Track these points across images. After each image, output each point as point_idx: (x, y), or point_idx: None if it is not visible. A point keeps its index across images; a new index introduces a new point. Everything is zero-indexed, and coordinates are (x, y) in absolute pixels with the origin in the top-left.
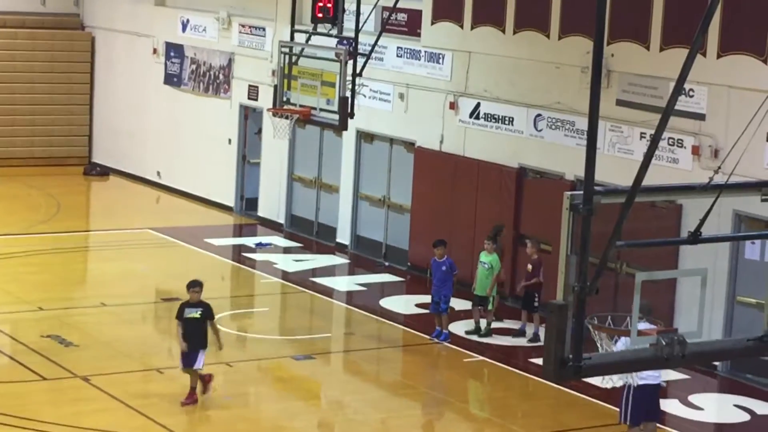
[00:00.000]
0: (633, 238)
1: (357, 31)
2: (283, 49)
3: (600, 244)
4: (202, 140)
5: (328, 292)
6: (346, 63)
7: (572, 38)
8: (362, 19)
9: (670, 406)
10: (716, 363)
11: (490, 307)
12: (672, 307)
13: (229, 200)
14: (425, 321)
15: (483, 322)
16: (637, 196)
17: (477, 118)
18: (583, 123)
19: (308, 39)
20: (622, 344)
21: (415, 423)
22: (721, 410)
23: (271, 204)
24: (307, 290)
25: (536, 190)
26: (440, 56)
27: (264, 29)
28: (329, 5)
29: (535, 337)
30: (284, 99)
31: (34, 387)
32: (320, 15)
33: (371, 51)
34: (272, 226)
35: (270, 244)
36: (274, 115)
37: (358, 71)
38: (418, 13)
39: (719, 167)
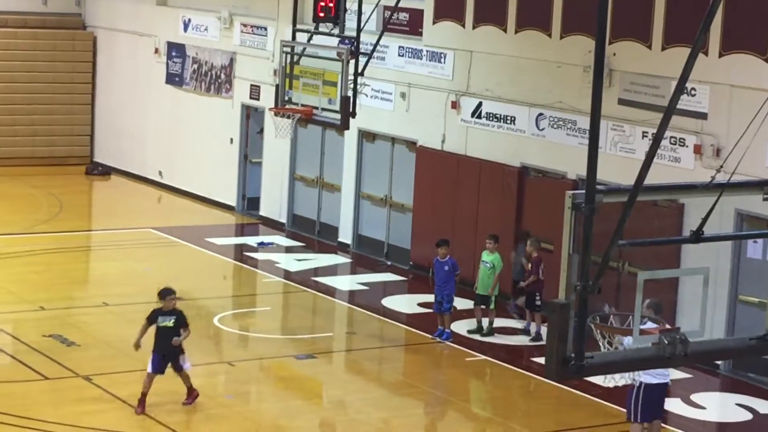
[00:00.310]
0: (635, 237)
1: (359, 30)
2: (285, 49)
3: (602, 243)
4: (204, 140)
5: (330, 291)
6: (348, 62)
7: (574, 37)
8: (364, 18)
9: (672, 405)
10: (718, 362)
11: (492, 306)
12: (674, 306)
13: (231, 200)
14: (427, 320)
15: (485, 322)
16: (639, 195)
17: (479, 117)
18: (585, 122)
19: (310, 38)
20: (628, 341)
21: (417, 422)
22: (724, 409)
23: (273, 203)
24: (309, 289)
25: (538, 189)
26: (442, 55)
27: (266, 29)
28: (331, 5)
29: (537, 336)
30: (286, 98)
31: (36, 386)
32: (322, 14)
33: (373, 50)
34: (274, 225)
35: (272, 244)
36: (276, 114)
37: (359, 70)
38: (420, 12)
39: (721, 166)
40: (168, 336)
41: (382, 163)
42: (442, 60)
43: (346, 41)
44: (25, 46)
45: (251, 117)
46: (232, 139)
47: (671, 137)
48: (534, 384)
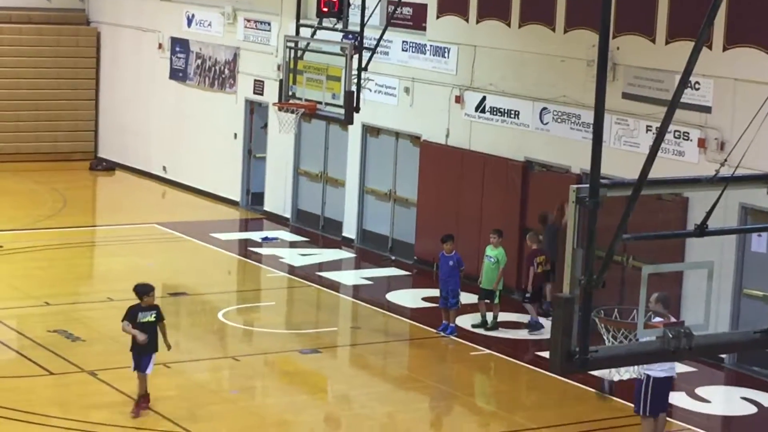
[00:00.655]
0: (639, 231)
1: (362, 25)
2: (289, 44)
3: (606, 237)
4: (207, 135)
5: (335, 286)
6: (352, 57)
7: (578, 31)
8: (367, 13)
9: (677, 398)
10: (723, 355)
11: (496, 300)
12: (678, 300)
13: (235, 195)
14: (432, 315)
15: (489, 316)
16: (644, 189)
17: (483, 111)
18: (589, 116)
19: (313, 33)
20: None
21: (422, 417)
22: (728, 402)
23: (277, 198)
24: (313, 284)
25: (542, 183)
26: (446, 50)
27: (269, 24)
28: (334, 0)
29: (536, 325)
30: (290, 93)
31: (41, 382)
32: (325, 9)
33: (377, 45)
34: (278, 220)
35: (276, 239)
36: (280, 109)
37: (363, 65)
38: (424, 7)
39: (725, 160)
40: (151, 331)
41: (386, 157)
42: (446, 54)
43: (350, 36)
44: (29, 42)
45: (255, 112)
46: (236, 134)
47: (675, 131)
48: (539, 378)
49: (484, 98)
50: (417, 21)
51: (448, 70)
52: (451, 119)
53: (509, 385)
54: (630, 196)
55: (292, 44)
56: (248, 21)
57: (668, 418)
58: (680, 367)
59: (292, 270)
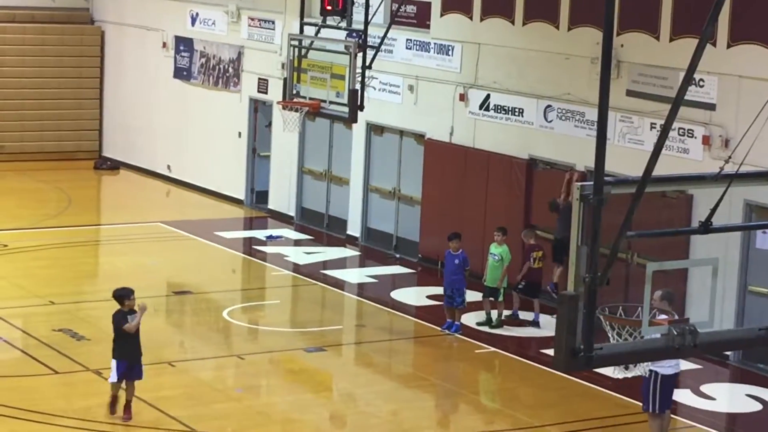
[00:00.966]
0: (644, 228)
1: (366, 23)
2: (293, 42)
3: (611, 234)
4: (212, 134)
5: (339, 284)
6: (356, 55)
7: (582, 29)
8: (371, 11)
9: (682, 395)
10: (728, 352)
11: (500, 298)
12: (683, 297)
13: (240, 193)
14: (436, 312)
15: (494, 314)
16: (648, 187)
17: (487, 109)
18: (593, 114)
19: (317, 32)
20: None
21: (426, 414)
22: (733, 400)
23: (282, 197)
24: (318, 282)
25: (547, 181)
26: (450, 48)
27: (273, 22)
28: None
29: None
30: (294, 92)
31: (46, 381)
32: (329, 7)
33: (381, 43)
34: (283, 218)
35: (281, 237)
36: (284, 108)
37: (367, 63)
38: (428, 5)
39: (730, 157)
40: (137, 336)
41: (390, 155)
42: (450, 52)
43: (354, 34)
44: (33, 41)
45: (259, 110)
46: (240, 133)
47: (679, 128)
48: (543, 376)
49: (488, 96)
50: (421, 19)
51: (452, 68)
52: (455, 117)
53: (514, 383)
54: (634, 194)
55: (296, 43)
56: (252, 19)
57: (673, 416)
58: (685, 365)
59: (296, 268)
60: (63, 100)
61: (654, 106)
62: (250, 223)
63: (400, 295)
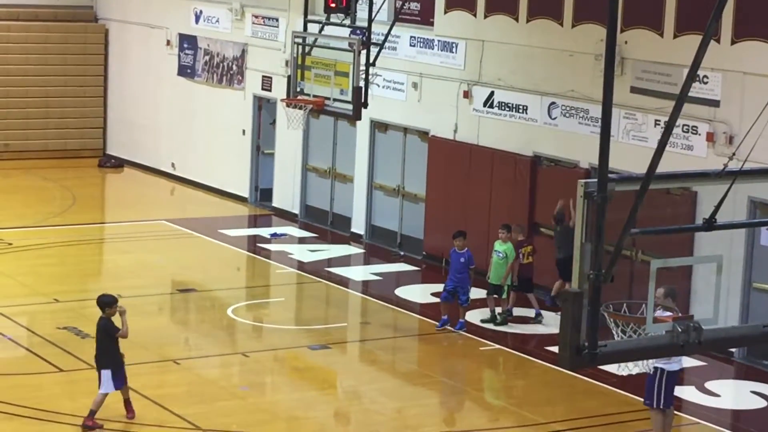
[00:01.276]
0: (648, 225)
1: (370, 20)
2: (297, 40)
3: (615, 231)
4: (216, 131)
5: (344, 281)
6: (360, 53)
7: (585, 26)
8: (375, 8)
9: (687, 392)
10: (733, 349)
11: (504, 295)
12: (688, 294)
13: (244, 191)
14: (441, 310)
15: (498, 311)
16: (652, 184)
17: (491, 106)
18: (597, 111)
19: (321, 29)
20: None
21: (431, 412)
22: (738, 397)
23: (286, 194)
24: (322, 280)
25: (551, 178)
26: (453, 45)
27: (277, 20)
28: None
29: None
30: (298, 89)
31: (50, 379)
32: (333, 5)
33: (384, 40)
34: (287, 216)
35: (285, 235)
36: (288, 105)
37: (371, 61)
38: (431, 2)
39: (734, 154)
40: (118, 342)
41: (394, 153)
42: (454, 49)
43: (358, 31)
44: (37, 39)
45: (263, 108)
46: (244, 131)
47: (684, 125)
48: (548, 373)
49: (492, 93)
50: (425, 16)
51: (456, 65)
52: (459, 114)
53: (518, 380)
54: (638, 191)
55: (300, 40)
56: (256, 17)
57: (678, 413)
58: (690, 362)
59: (301, 266)
60: (67, 98)
61: (658, 103)
62: (254, 221)
63: (404, 292)
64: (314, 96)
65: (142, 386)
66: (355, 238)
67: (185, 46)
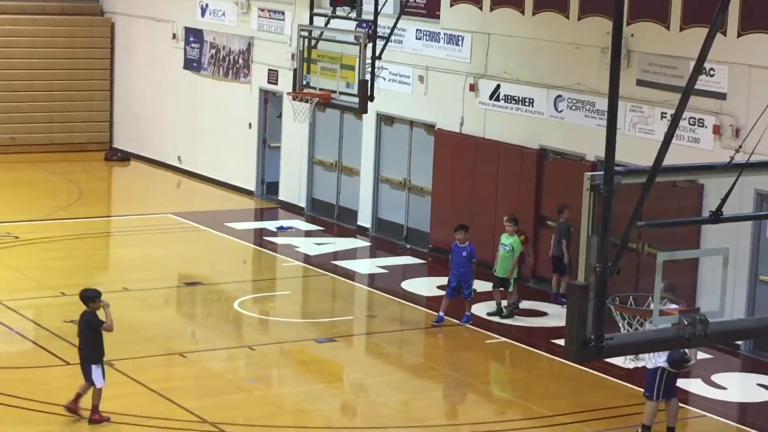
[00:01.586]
0: (654, 218)
1: (376, 14)
2: (303, 33)
3: (621, 224)
4: (222, 125)
5: (350, 274)
6: (366, 46)
7: (591, 19)
8: (381, 1)
9: (693, 385)
10: (739, 342)
11: (510, 288)
12: (694, 287)
13: (250, 184)
14: (450, 303)
15: (504, 304)
16: (658, 176)
17: (497, 99)
18: (604, 103)
19: (327, 22)
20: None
21: (437, 405)
22: (745, 389)
23: (292, 188)
24: (328, 273)
25: (557, 171)
26: (459, 38)
27: (283, 13)
28: None
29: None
30: (304, 83)
31: (57, 372)
32: None
33: (390, 34)
34: (293, 209)
35: (291, 228)
36: (294, 98)
37: (377, 54)
38: None
39: (740, 146)
40: (103, 338)
41: (400, 146)
42: (460, 43)
43: (364, 25)
44: (44, 33)
45: (269, 101)
46: (250, 124)
47: (690, 118)
48: (554, 366)
49: (498, 86)
50: (431, 9)
51: (462, 58)
52: (465, 107)
53: (525, 373)
54: (645, 183)
55: (306, 33)
56: (262, 10)
57: (684, 405)
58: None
59: (307, 259)
60: (73, 91)
61: (664, 96)
62: (260, 214)
63: (410, 285)
64: (320, 89)
65: (148, 379)
66: (362, 232)
67: (191, 39)
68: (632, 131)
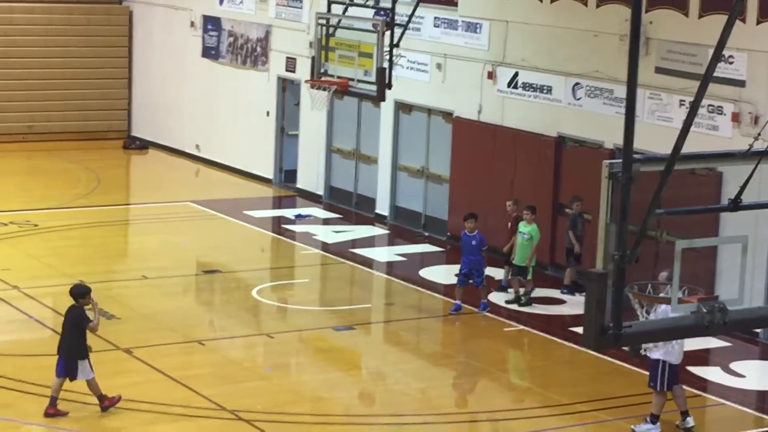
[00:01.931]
0: (673, 205)
1: (394, 1)
2: (320, 21)
3: (639, 212)
4: (240, 113)
5: (368, 262)
6: (384, 34)
7: (610, 6)
8: None
9: (712, 373)
10: (758, 330)
11: (529, 276)
12: (713, 275)
13: (268, 172)
14: (465, 291)
15: (522, 292)
16: (677, 164)
17: (515, 87)
18: (622, 91)
19: (345, 10)
20: (663, 312)
21: (455, 392)
22: (763, 377)
23: (310, 176)
24: (346, 261)
25: (575, 159)
26: (478, 26)
27: (301, 1)
28: None
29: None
30: (322, 71)
31: None
32: None
33: (408, 21)
34: (311, 197)
35: (309, 216)
36: (312, 86)
37: (395, 42)
38: None
39: (759, 133)
40: (86, 335)
41: (418, 134)
42: (478, 30)
43: (382, 12)
44: (61, 21)
45: (287, 89)
46: (268, 112)
47: (709, 105)
48: (572, 353)
49: (516, 74)
50: None
51: (480, 45)
52: (483, 95)
53: (543, 361)
54: (663, 171)
55: (324, 21)
56: None
57: (702, 393)
58: (714, 342)
59: (325, 247)
60: (92, 80)
61: (683, 83)
62: (278, 202)
63: (428, 273)
64: (338, 77)
65: (167, 367)
66: (380, 219)
67: (209, 27)
68: (651, 119)
